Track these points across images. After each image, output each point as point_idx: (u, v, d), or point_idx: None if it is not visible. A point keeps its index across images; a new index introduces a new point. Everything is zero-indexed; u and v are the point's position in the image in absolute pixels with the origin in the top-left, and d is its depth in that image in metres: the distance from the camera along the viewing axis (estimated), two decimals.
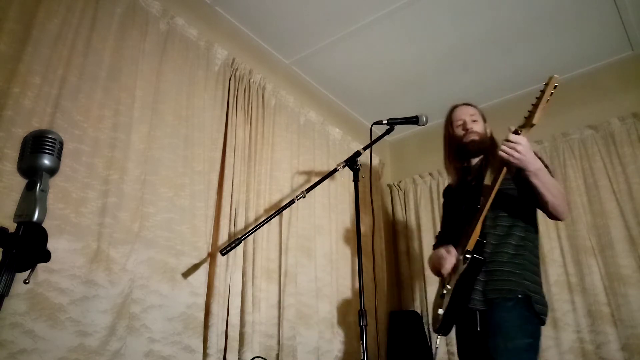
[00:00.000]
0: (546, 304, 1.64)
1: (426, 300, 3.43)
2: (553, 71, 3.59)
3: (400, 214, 3.89)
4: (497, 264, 1.64)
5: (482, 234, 1.64)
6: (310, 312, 2.65)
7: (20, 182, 0.96)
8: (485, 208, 1.60)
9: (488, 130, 1.94)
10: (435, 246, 2.05)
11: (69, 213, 1.71)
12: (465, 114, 1.92)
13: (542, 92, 1.48)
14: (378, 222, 3.64)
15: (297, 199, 1.84)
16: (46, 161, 0.96)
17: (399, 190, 3.96)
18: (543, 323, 1.61)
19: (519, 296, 1.58)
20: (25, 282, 0.89)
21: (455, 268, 1.71)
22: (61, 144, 1.00)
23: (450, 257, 1.73)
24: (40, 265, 0.93)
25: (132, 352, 1.76)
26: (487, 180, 1.68)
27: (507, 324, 1.56)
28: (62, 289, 1.62)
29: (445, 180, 3.68)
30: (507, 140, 1.51)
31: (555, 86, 1.48)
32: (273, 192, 2.66)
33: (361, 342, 1.57)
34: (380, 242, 3.58)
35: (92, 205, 1.80)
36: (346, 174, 3.29)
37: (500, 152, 1.52)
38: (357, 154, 1.93)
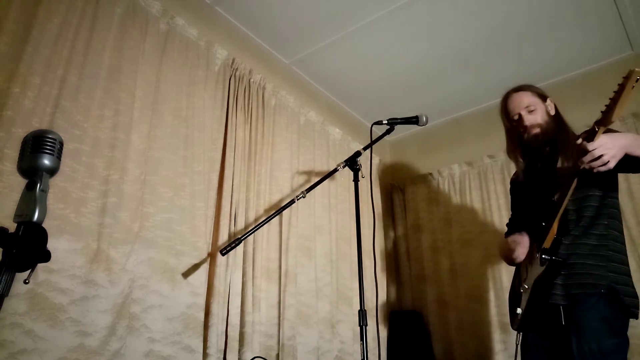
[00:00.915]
0: (636, 295, 1.52)
1: (426, 300, 3.43)
2: (553, 71, 3.61)
3: (400, 214, 3.89)
4: (578, 257, 1.54)
5: (563, 227, 1.56)
6: (310, 312, 2.65)
7: (20, 182, 0.96)
8: (562, 208, 1.51)
9: (550, 109, 1.77)
10: (507, 234, 1.94)
11: (69, 213, 1.71)
12: (520, 107, 1.75)
13: (622, 86, 1.31)
14: (378, 222, 3.65)
15: (297, 199, 1.84)
16: (46, 161, 0.96)
17: (399, 190, 3.96)
18: (635, 316, 1.50)
19: (602, 291, 1.48)
20: (25, 282, 0.89)
21: (529, 260, 1.64)
22: (61, 144, 1.00)
23: (523, 243, 1.66)
24: (40, 265, 0.93)
25: (132, 352, 1.76)
26: (560, 164, 1.60)
27: (592, 324, 1.46)
28: (62, 289, 1.62)
29: (445, 181, 3.68)
30: (587, 152, 1.37)
31: (638, 79, 1.30)
32: (273, 192, 2.66)
33: (361, 342, 1.57)
34: (380, 242, 3.58)
35: (92, 205, 1.80)
36: (346, 174, 3.29)
37: (596, 169, 1.39)
38: (357, 154, 1.93)
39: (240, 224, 2.38)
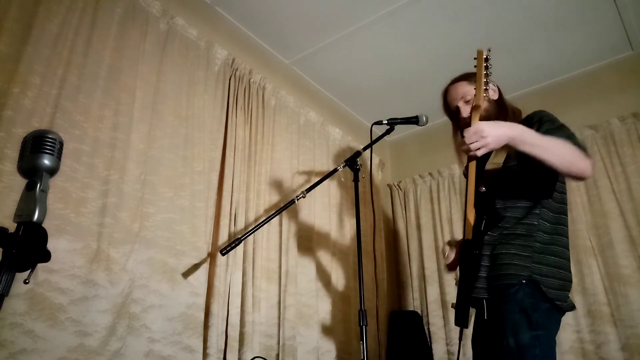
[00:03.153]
0: (564, 288, 1.43)
1: (426, 300, 3.43)
2: (553, 71, 3.61)
3: (400, 214, 3.89)
4: (503, 247, 1.48)
5: (491, 220, 1.52)
6: (310, 312, 2.65)
7: (20, 182, 0.96)
8: (469, 198, 1.48)
9: (492, 94, 1.70)
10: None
11: (69, 213, 1.71)
12: (456, 99, 1.71)
13: (476, 67, 1.39)
14: (378, 222, 3.64)
15: (297, 199, 1.84)
16: (46, 161, 0.96)
17: (399, 190, 3.96)
18: (561, 310, 1.42)
19: (523, 281, 1.40)
20: (25, 282, 0.89)
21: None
22: (61, 144, 1.00)
23: (450, 254, 1.70)
24: (40, 265, 0.93)
25: (132, 352, 1.76)
26: (494, 157, 1.56)
27: (509, 318, 1.40)
28: (62, 289, 1.62)
29: (445, 181, 3.68)
30: (465, 139, 1.37)
31: (486, 58, 1.38)
32: (273, 192, 2.66)
33: (361, 342, 1.57)
34: (380, 242, 3.58)
35: (92, 205, 1.80)
36: (346, 174, 3.29)
37: (467, 154, 1.40)
38: (357, 154, 1.93)
39: (240, 224, 2.38)
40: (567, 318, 2.78)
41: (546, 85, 3.42)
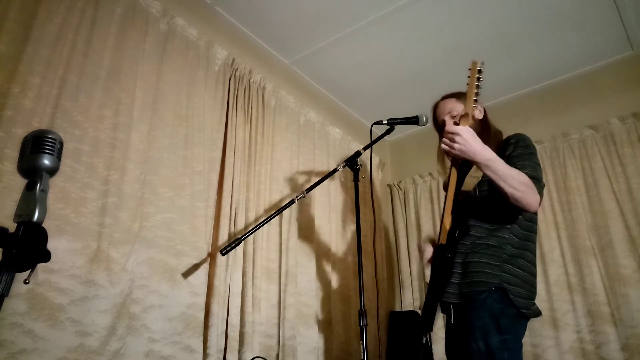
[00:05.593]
0: (530, 298, 1.52)
1: None
2: (553, 71, 3.61)
3: (400, 214, 3.89)
4: (475, 255, 1.55)
5: (464, 227, 1.58)
6: (310, 312, 2.65)
7: (20, 182, 0.96)
8: (448, 204, 1.54)
9: (478, 114, 1.76)
10: None
11: (69, 213, 1.71)
12: (443, 113, 1.82)
13: (469, 77, 1.47)
14: (378, 222, 3.64)
15: (297, 199, 1.84)
16: (46, 161, 0.96)
17: (399, 190, 3.96)
18: (526, 317, 1.49)
19: (493, 288, 1.47)
20: (25, 282, 0.89)
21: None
22: (61, 144, 1.00)
23: (426, 251, 1.75)
24: (40, 265, 0.93)
25: (132, 352, 1.76)
26: (473, 172, 1.61)
27: (479, 322, 1.47)
28: (62, 289, 1.62)
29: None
30: (447, 132, 1.45)
31: (479, 70, 1.45)
32: (273, 192, 2.66)
33: (361, 342, 1.57)
34: (380, 242, 3.58)
35: (92, 205, 1.80)
36: (346, 174, 3.30)
37: (442, 145, 1.48)
38: (357, 154, 1.93)
39: (240, 224, 2.38)
40: (567, 318, 2.79)
41: (546, 85, 3.41)
